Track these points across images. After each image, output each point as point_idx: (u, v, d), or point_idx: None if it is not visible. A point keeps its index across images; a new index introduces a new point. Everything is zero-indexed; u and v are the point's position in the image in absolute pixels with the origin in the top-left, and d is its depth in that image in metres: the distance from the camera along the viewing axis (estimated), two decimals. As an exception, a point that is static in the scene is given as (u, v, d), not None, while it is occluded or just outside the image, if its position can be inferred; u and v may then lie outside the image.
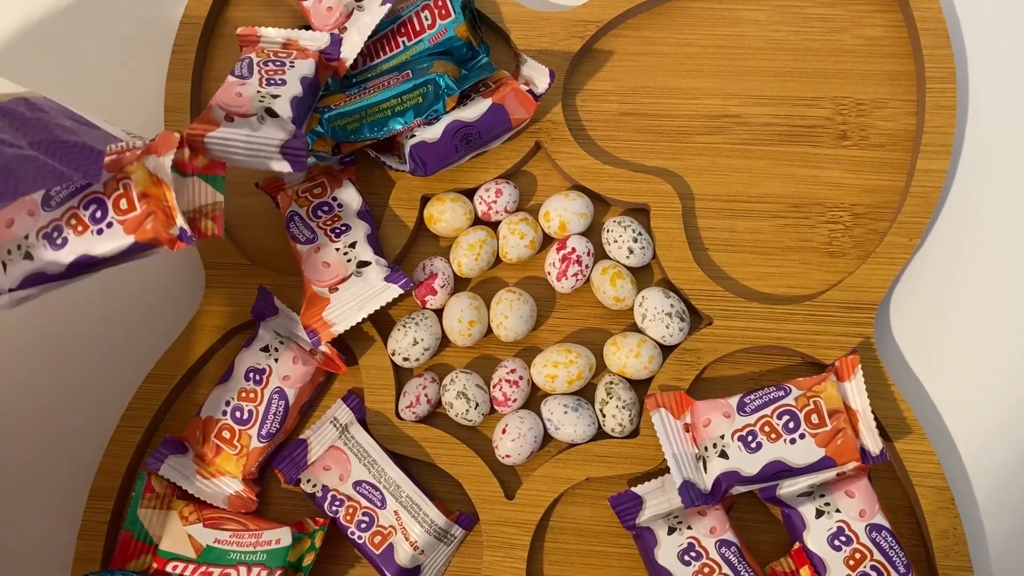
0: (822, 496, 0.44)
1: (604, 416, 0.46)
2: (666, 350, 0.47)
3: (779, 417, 0.44)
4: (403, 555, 0.45)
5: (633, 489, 0.45)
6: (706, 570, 0.43)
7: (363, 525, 0.46)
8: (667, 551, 0.44)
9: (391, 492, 0.46)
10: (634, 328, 0.48)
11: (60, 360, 0.52)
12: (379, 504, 0.46)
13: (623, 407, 0.46)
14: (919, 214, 0.47)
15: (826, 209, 0.49)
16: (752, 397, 0.45)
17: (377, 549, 0.45)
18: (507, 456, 0.46)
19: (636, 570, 0.46)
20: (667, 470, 0.45)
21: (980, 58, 0.51)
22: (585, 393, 0.48)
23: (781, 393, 0.44)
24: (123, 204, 0.38)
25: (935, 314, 0.49)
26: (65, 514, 0.49)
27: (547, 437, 0.47)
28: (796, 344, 0.47)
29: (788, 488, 0.44)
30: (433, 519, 0.45)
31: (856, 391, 0.44)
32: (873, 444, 0.44)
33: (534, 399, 0.48)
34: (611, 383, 0.47)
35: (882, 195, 0.49)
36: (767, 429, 0.44)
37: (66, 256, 0.39)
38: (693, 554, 0.43)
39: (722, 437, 0.44)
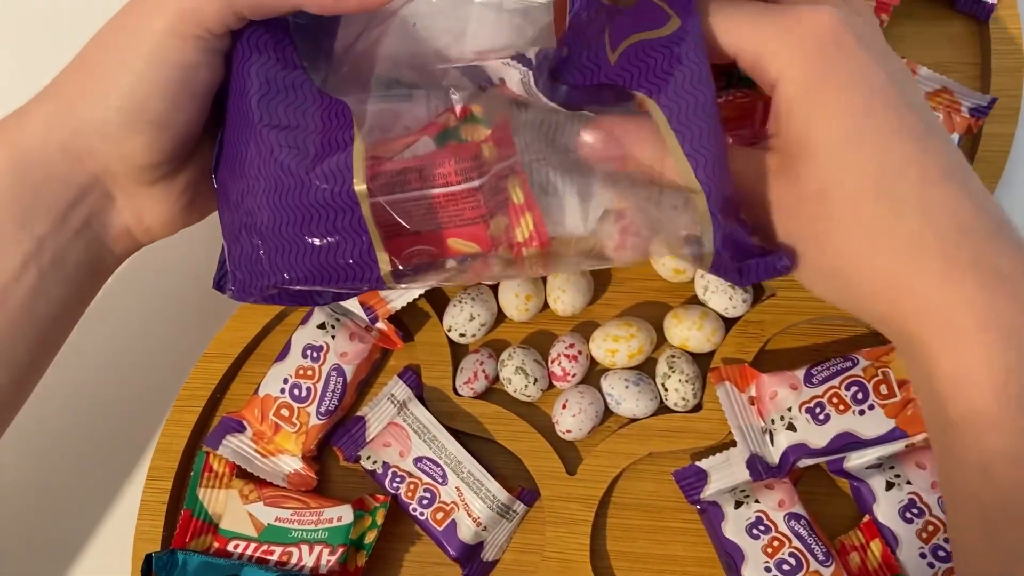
0: (892, 468, 0.43)
1: (666, 390, 0.46)
2: (728, 323, 0.47)
3: (847, 388, 0.43)
4: (466, 531, 0.45)
5: (697, 463, 0.45)
6: (775, 543, 0.42)
7: (425, 501, 0.45)
8: (735, 525, 0.43)
9: (452, 468, 0.45)
10: (694, 301, 0.48)
11: (116, 341, 0.52)
12: (440, 480, 0.45)
13: (686, 381, 0.45)
14: (986, 179, 0.46)
15: (889, 176, 0.48)
16: (819, 368, 0.44)
17: (440, 525, 0.45)
18: (568, 431, 0.46)
19: (700, 545, 0.45)
20: (731, 444, 0.45)
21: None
22: (645, 367, 0.47)
23: (848, 364, 0.44)
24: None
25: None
26: (125, 494, 0.49)
27: (607, 412, 0.47)
28: (862, 314, 0.46)
29: (856, 460, 0.44)
30: (495, 494, 0.45)
31: (926, 361, 0.44)
32: (945, 415, 0.43)
33: (592, 374, 0.48)
34: (673, 357, 0.46)
35: (947, 161, 0.48)
36: (835, 400, 0.43)
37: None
38: (762, 527, 0.43)
39: (789, 409, 0.43)
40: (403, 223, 0.34)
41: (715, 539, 0.44)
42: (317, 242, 0.33)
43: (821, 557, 0.42)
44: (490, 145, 0.34)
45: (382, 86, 0.36)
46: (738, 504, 0.43)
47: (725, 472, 0.44)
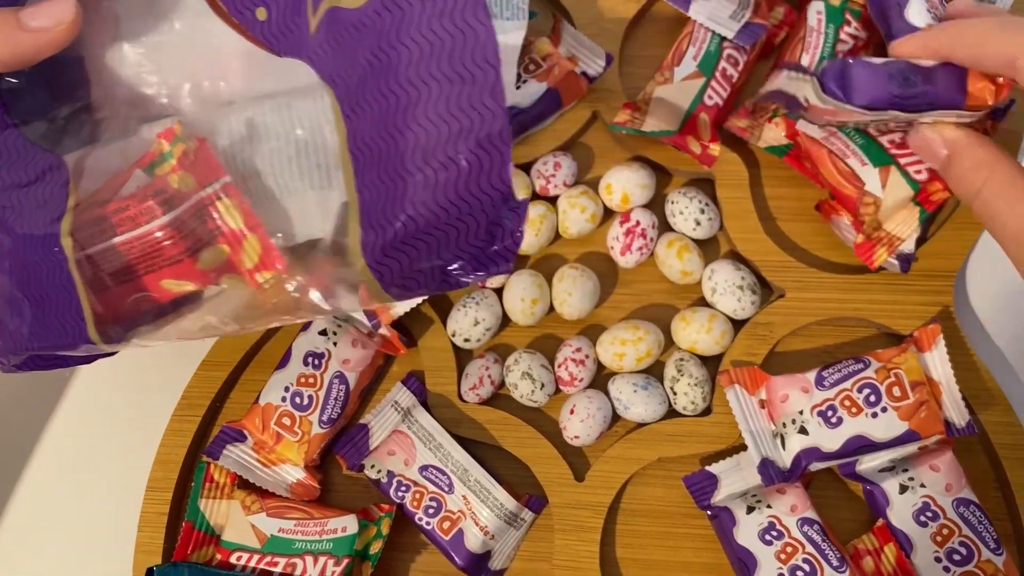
0: (905, 471, 0.43)
1: (675, 394, 0.45)
2: (736, 325, 0.46)
3: (859, 391, 0.42)
4: (473, 540, 0.44)
5: (708, 468, 0.44)
6: (788, 549, 0.42)
7: (431, 511, 0.44)
8: (747, 530, 0.42)
9: (459, 476, 0.45)
10: (702, 303, 0.47)
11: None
12: (447, 489, 0.45)
13: (695, 384, 0.44)
14: (997, 177, 0.46)
15: (898, 174, 0.47)
16: (830, 371, 0.43)
17: (446, 535, 0.44)
18: (575, 437, 0.45)
19: (710, 551, 0.45)
20: (742, 448, 0.44)
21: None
22: (653, 371, 0.46)
23: (860, 366, 0.43)
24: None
25: (1014, 280, 0.47)
26: (123, 506, 0.48)
27: (615, 417, 0.46)
28: (873, 315, 0.45)
29: (869, 463, 0.43)
30: (503, 503, 0.44)
31: (939, 362, 0.43)
32: (959, 416, 0.42)
33: (599, 378, 0.47)
34: (681, 360, 0.45)
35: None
36: (847, 403, 0.42)
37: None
38: (775, 533, 0.42)
39: (801, 413, 0.43)
40: (107, 272, 0.32)
41: (727, 545, 0.43)
42: (30, 305, 0.32)
43: (835, 563, 0.41)
44: (182, 174, 0.33)
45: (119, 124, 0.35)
46: (750, 509, 0.43)
47: (736, 477, 0.44)
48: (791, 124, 0.45)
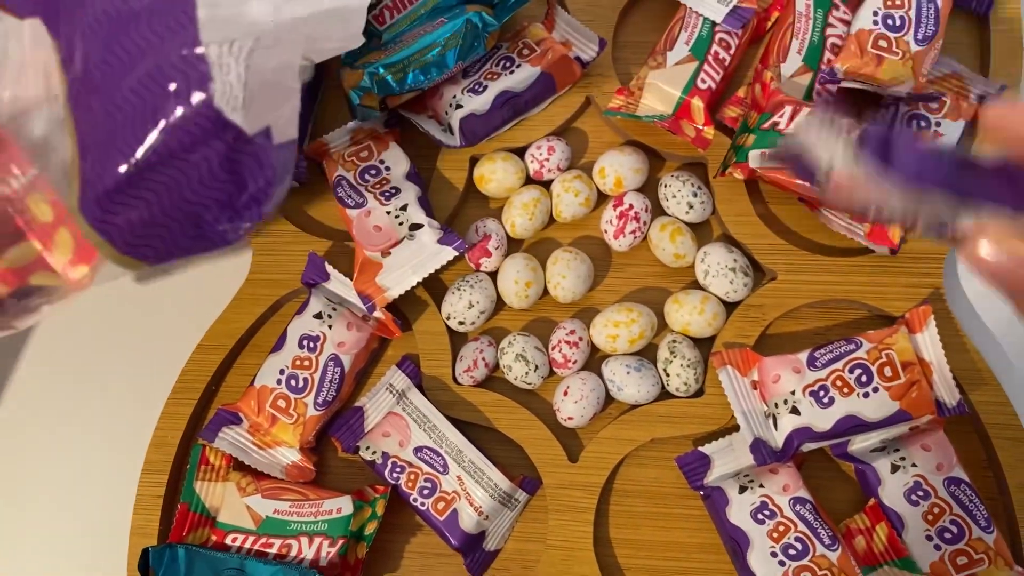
0: (896, 451, 0.43)
1: (668, 376, 0.45)
2: (729, 307, 0.46)
3: (851, 371, 0.43)
4: (468, 521, 0.44)
5: (700, 448, 0.44)
6: (781, 528, 0.42)
7: (426, 491, 0.45)
8: (739, 510, 0.43)
9: (453, 457, 0.45)
10: (695, 285, 0.47)
11: (109, 334, 0.51)
12: (441, 470, 0.45)
13: (687, 366, 0.45)
14: (987, 160, 0.46)
15: (889, 158, 0.48)
16: (822, 351, 0.44)
17: (441, 515, 0.44)
18: (569, 418, 0.45)
19: (703, 531, 0.45)
20: (734, 429, 0.44)
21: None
22: (646, 353, 0.47)
23: (852, 346, 0.43)
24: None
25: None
26: (120, 489, 0.48)
27: (609, 398, 0.46)
28: (863, 297, 0.45)
29: (860, 444, 0.43)
30: (497, 483, 0.44)
31: (930, 343, 0.43)
32: (949, 396, 0.43)
33: (593, 361, 0.47)
34: (674, 342, 0.45)
35: (947, 142, 0.47)
36: (839, 383, 0.43)
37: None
38: (767, 512, 0.42)
39: (793, 393, 0.43)
40: None
41: (719, 525, 0.43)
42: None
43: (827, 541, 0.41)
44: None
45: None
46: (742, 489, 0.43)
47: (728, 457, 0.44)
48: (746, 167, 0.44)
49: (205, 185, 0.28)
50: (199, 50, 0.28)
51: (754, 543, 0.42)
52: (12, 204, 0.30)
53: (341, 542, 0.44)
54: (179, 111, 0.27)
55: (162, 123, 0.28)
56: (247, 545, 0.45)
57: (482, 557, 0.45)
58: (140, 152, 0.28)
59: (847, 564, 0.41)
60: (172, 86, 0.28)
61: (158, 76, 0.28)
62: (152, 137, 0.28)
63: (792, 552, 0.41)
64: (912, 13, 0.45)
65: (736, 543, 0.42)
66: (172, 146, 0.28)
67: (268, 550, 0.44)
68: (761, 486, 0.43)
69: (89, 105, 0.29)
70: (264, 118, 0.30)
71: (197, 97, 0.28)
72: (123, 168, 0.28)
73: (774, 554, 0.42)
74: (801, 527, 0.42)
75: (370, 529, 0.44)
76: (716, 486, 0.44)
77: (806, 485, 0.43)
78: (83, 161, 0.29)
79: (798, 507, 0.42)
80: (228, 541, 0.45)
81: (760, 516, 0.42)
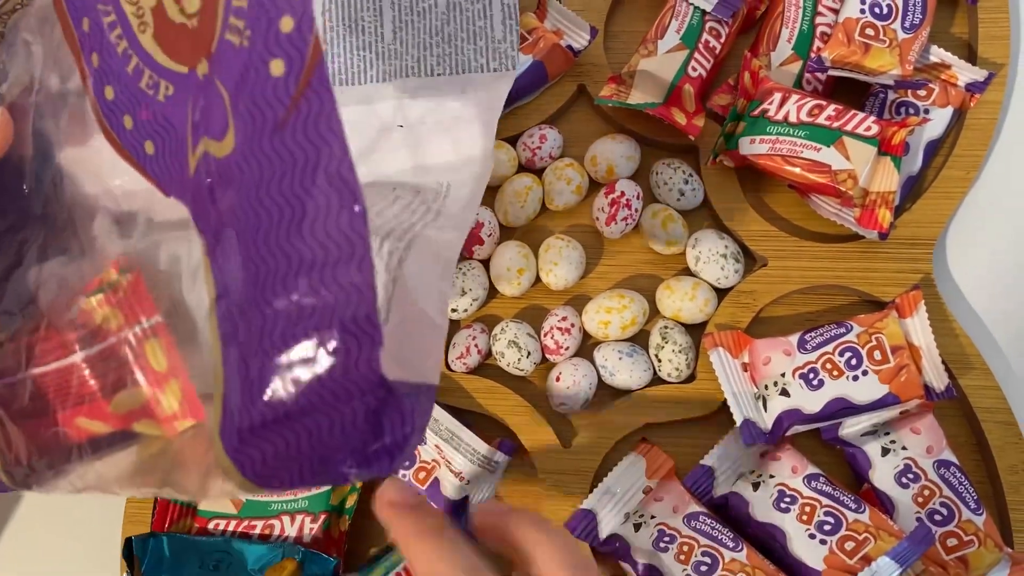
0: (887, 434, 0.43)
1: (660, 361, 0.45)
2: (720, 293, 0.47)
3: (841, 354, 0.43)
4: (449, 487, 0.44)
5: (703, 462, 0.44)
6: (807, 509, 0.41)
7: (406, 463, 0.45)
8: (761, 506, 0.42)
9: (430, 427, 0.45)
10: (686, 272, 0.47)
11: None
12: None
13: (679, 351, 0.45)
14: (975, 147, 0.46)
15: (878, 146, 0.48)
16: (812, 335, 0.44)
17: (423, 485, 0.44)
18: (562, 404, 0.45)
19: (696, 516, 0.45)
20: (724, 420, 0.44)
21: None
22: (638, 339, 0.47)
23: (842, 330, 0.44)
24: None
25: (994, 248, 0.48)
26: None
27: (601, 384, 0.46)
28: (854, 282, 0.46)
29: (851, 428, 0.44)
30: (475, 447, 0.44)
31: (919, 327, 0.43)
32: (938, 380, 0.43)
33: (585, 347, 0.47)
34: (666, 327, 0.46)
35: (935, 130, 0.48)
36: (829, 366, 0.43)
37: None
38: (787, 499, 0.42)
39: (783, 375, 0.43)
40: (10, 406, 0.31)
41: (745, 528, 0.43)
42: None
43: (853, 506, 0.41)
44: (108, 310, 0.30)
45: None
46: (756, 486, 0.43)
47: (728, 463, 0.44)
48: (736, 155, 0.45)
49: (346, 434, 0.26)
50: (371, 315, 0.25)
51: (789, 532, 0.41)
52: (132, 349, 0.30)
53: (323, 517, 0.44)
54: (341, 370, 0.25)
55: (320, 375, 0.25)
56: (230, 528, 0.45)
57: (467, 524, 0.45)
58: (290, 399, 0.26)
59: (879, 519, 0.41)
60: (333, 344, 0.25)
61: (323, 331, 0.25)
62: (305, 387, 0.26)
63: (827, 527, 0.41)
64: (899, 1, 0.45)
65: (772, 538, 0.42)
66: (326, 398, 0.26)
67: (251, 532, 0.45)
68: (772, 476, 0.43)
69: (236, 326, 0.27)
70: (414, 366, 0.28)
71: (364, 359, 0.25)
72: (270, 410, 0.26)
73: (812, 536, 0.41)
74: (826, 502, 0.41)
75: (351, 502, 0.45)
76: (731, 492, 0.44)
77: (812, 461, 0.43)
78: (227, 385, 0.27)
79: (814, 483, 0.42)
80: (211, 527, 0.45)
81: (783, 505, 0.42)
